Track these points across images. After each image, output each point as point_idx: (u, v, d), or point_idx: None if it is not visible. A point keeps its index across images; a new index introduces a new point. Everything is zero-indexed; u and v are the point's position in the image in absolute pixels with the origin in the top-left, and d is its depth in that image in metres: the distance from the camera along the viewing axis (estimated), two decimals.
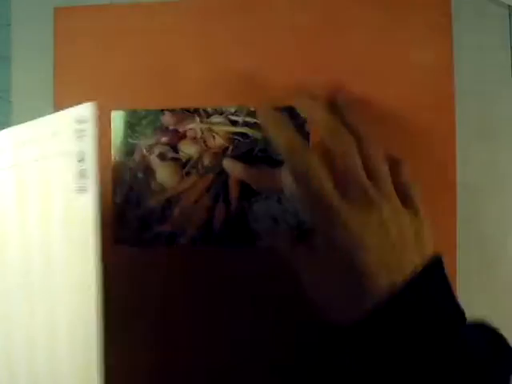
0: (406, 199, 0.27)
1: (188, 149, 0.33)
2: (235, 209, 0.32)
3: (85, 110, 0.19)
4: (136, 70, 0.33)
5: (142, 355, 0.32)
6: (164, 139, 0.33)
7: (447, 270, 0.26)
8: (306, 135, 0.31)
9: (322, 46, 0.32)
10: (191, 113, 0.33)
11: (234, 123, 0.32)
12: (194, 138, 0.33)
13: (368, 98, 0.31)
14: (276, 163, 0.31)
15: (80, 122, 0.19)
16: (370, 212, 0.25)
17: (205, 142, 0.33)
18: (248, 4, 0.33)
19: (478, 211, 0.32)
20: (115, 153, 0.33)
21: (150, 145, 0.33)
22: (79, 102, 0.33)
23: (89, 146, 0.19)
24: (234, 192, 0.32)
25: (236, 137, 0.32)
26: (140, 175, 0.33)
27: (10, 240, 0.22)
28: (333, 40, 0.32)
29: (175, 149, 0.33)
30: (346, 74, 0.32)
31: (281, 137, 0.27)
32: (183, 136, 0.33)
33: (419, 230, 0.26)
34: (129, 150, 0.33)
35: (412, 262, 0.25)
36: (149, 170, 0.33)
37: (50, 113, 0.33)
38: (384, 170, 0.27)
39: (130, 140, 0.33)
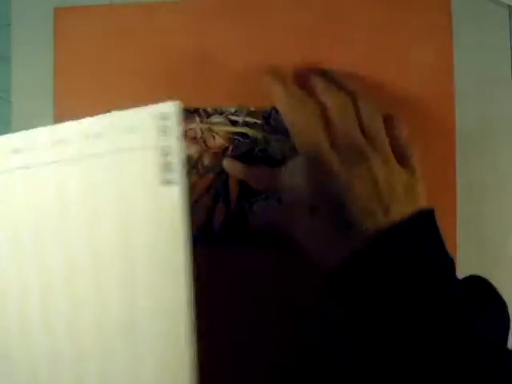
0: (403, 160, 0.28)
1: (188, 149, 0.33)
2: (235, 209, 0.32)
3: (169, 107, 0.19)
4: (136, 70, 0.33)
5: None
6: None
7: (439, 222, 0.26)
8: None
9: (322, 46, 0.32)
10: (191, 113, 0.33)
11: (234, 123, 0.32)
12: (194, 138, 0.33)
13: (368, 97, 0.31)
14: (276, 163, 0.31)
15: (163, 118, 0.19)
16: (360, 162, 0.26)
17: (205, 142, 0.33)
18: (248, 4, 0.33)
19: (478, 211, 0.32)
20: None
21: None
22: (79, 102, 0.34)
23: (174, 140, 0.18)
24: (233, 192, 0.32)
25: (236, 137, 0.32)
26: None
27: (78, 236, 0.20)
28: (333, 40, 0.32)
29: None
30: (345, 73, 0.32)
31: (282, 95, 0.28)
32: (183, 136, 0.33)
33: (413, 187, 0.27)
34: None
35: (402, 213, 0.26)
36: None
37: (50, 113, 0.34)
38: (378, 127, 0.28)
39: None
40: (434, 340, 0.23)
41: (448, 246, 0.26)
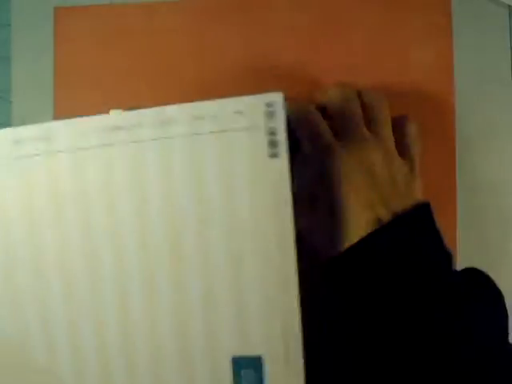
0: (404, 156, 0.28)
1: None
2: None
3: (276, 96, 0.22)
4: (136, 70, 0.33)
5: None
6: None
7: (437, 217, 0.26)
8: None
9: (321, 46, 0.32)
10: None
11: None
12: None
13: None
14: None
15: (270, 105, 0.22)
16: (360, 151, 0.26)
17: None
18: (248, 4, 0.33)
19: (478, 211, 0.32)
20: None
21: None
22: (79, 102, 0.34)
23: (280, 122, 0.22)
24: None
25: None
26: None
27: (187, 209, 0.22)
28: (332, 40, 0.32)
29: None
30: (345, 74, 0.32)
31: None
32: None
33: (410, 183, 0.27)
34: None
35: (402, 205, 0.26)
36: None
37: (50, 113, 0.34)
38: (381, 118, 0.28)
39: None
40: (431, 333, 0.23)
41: (448, 245, 0.27)
